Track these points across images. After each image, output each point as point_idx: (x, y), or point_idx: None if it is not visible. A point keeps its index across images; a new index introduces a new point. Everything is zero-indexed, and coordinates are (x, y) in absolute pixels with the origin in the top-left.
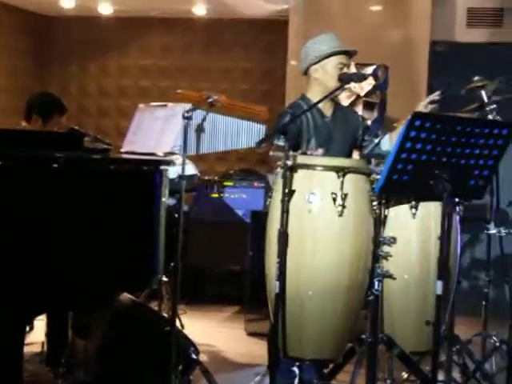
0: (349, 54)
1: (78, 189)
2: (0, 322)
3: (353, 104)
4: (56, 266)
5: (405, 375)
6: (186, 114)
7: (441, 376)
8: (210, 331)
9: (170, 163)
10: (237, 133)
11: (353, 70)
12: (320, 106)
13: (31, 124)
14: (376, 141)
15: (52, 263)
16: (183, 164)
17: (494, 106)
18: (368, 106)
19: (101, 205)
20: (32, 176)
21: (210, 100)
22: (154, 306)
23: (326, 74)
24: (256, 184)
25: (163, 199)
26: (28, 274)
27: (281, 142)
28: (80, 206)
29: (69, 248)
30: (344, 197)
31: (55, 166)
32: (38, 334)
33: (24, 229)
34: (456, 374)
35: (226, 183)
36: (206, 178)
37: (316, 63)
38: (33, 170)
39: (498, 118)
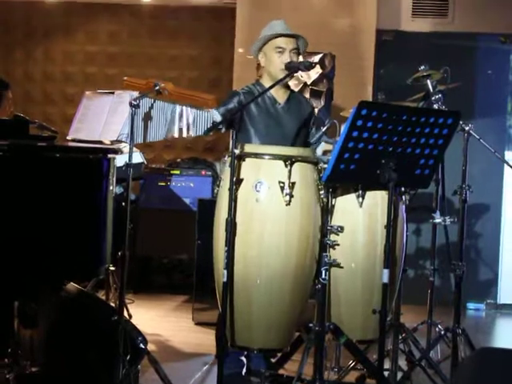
0: (289, 37)
1: (24, 177)
2: None
3: (300, 92)
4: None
5: (352, 363)
6: (133, 102)
7: (387, 364)
8: (158, 321)
9: (117, 151)
10: (185, 121)
11: (300, 58)
12: (273, 92)
13: None
14: (323, 129)
15: None
16: (130, 152)
17: (440, 95)
18: (315, 95)
19: (46, 193)
20: None
21: (157, 88)
22: (102, 295)
23: (267, 59)
24: (203, 172)
25: (111, 188)
26: None
27: (214, 111)
28: (25, 194)
29: (13, 236)
30: (291, 186)
31: (0, 153)
32: None
33: None
34: (402, 362)
35: (173, 172)
36: (154, 166)
37: (260, 50)
38: None
39: (444, 107)
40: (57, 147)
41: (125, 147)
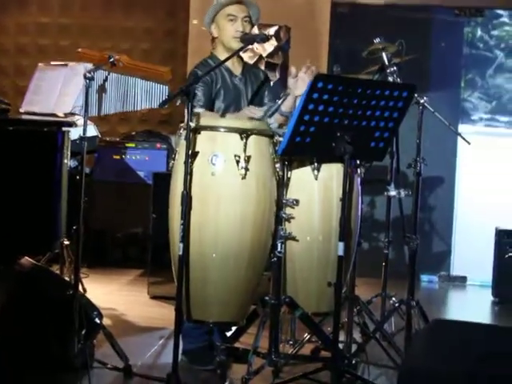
0: (240, 4)
1: None
2: None
3: (255, 65)
4: None
5: (307, 336)
6: (87, 74)
7: (342, 336)
8: (113, 295)
9: (72, 125)
10: (139, 93)
11: (255, 30)
12: (229, 65)
13: None
14: (279, 102)
15: None
16: (85, 125)
17: (395, 68)
18: (270, 67)
19: None
20: None
21: (112, 60)
22: (56, 269)
23: (220, 30)
24: (158, 145)
25: (65, 161)
26: None
27: (199, 109)
28: None
29: None
30: (247, 159)
31: None
32: None
33: None
34: (357, 335)
35: (128, 145)
36: (108, 139)
37: (213, 21)
38: None
39: (399, 80)
40: (10, 120)
41: (78, 120)
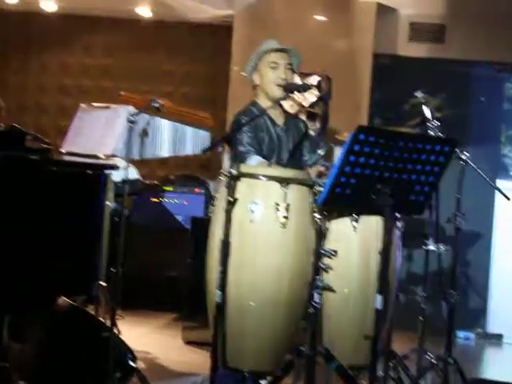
0: (282, 51)
1: (18, 190)
2: None
3: (296, 114)
4: None
5: None
6: (130, 118)
7: None
8: (147, 338)
9: (114, 167)
10: (181, 139)
11: (296, 79)
12: (271, 114)
13: None
14: (321, 153)
15: None
16: (127, 168)
17: (437, 122)
18: (311, 117)
19: (41, 207)
20: None
21: (155, 104)
22: (91, 310)
23: (262, 77)
24: (197, 190)
25: (107, 203)
26: None
27: (254, 156)
28: (19, 208)
29: (7, 250)
30: (286, 207)
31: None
32: None
33: None
34: None
35: (166, 188)
36: (147, 182)
37: (255, 68)
38: None
39: (440, 134)
40: (53, 160)
41: (119, 162)
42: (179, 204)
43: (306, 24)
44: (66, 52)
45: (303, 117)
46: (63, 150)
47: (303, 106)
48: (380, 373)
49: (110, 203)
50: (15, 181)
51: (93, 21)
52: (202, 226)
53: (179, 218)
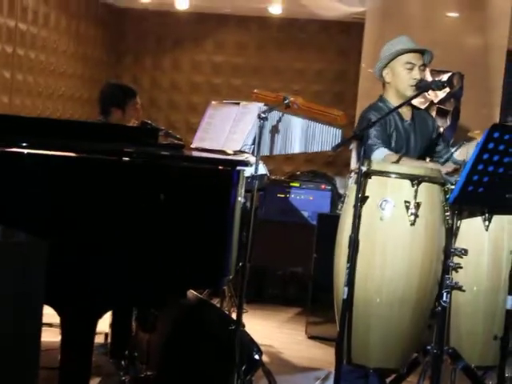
0: (418, 52)
1: (155, 186)
2: (72, 321)
3: (426, 110)
4: (131, 263)
5: None
6: (262, 115)
7: None
8: (271, 332)
9: (247, 164)
10: (312, 136)
11: (428, 76)
12: (399, 109)
13: (112, 117)
14: (453, 150)
15: (127, 261)
16: (257, 164)
17: None
18: (441, 114)
19: (177, 203)
20: (116, 172)
21: (287, 101)
22: (216, 303)
23: (395, 76)
24: (323, 186)
25: (239, 199)
26: (104, 272)
27: (382, 149)
28: (155, 204)
29: (144, 245)
30: (417, 206)
31: (139, 162)
32: (101, 324)
33: (101, 224)
34: None
35: (292, 184)
36: (274, 177)
37: (386, 66)
38: (117, 166)
39: None
40: (189, 157)
41: (247, 158)
42: (305, 200)
43: (438, 21)
44: (198, 50)
45: (433, 113)
46: (193, 146)
47: (433, 103)
48: (508, 374)
49: (241, 199)
50: (150, 177)
51: (224, 19)
52: (328, 222)
53: (305, 213)
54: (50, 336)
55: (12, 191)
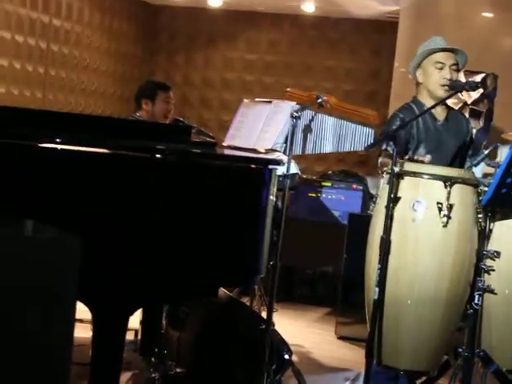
0: (449, 51)
1: (189, 183)
2: (105, 318)
3: (459, 111)
4: (164, 261)
5: None
6: (294, 114)
7: None
8: (300, 331)
9: (279, 163)
10: (344, 135)
11: (461, 77)
12: (432, 110)
13: (143, 110)
14: (486, 152)
15: (160, 259)
16: (288, 163)
17: None
18: (474, 114)
19: (210, 201)
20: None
21: (320, 101)
22: (246, 301)
23: (427, 76)
24: (354, 186)
25: (271, 197)
26: (137, 270)
27: (390, 149)
28: (187, 201)
29: (177, 243)
30: (450, 207)
31: (172, 159)
32: (132, 321)
33: (135, 221)
34: None
35: (324, 183)
36: (305, 176)
37: (419, 66)
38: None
39: None
40: (221, 155)
41: (279, 156)
42: (336, 199)
43: (472, 21)
44: (230, 47)
45: (466, 114)
46: (225, 144)
47: (466, 104)
48: None
49: (273, 198)
50: (183, 175)
51: (256, 16)
52: (359, 222)
53: (336, 213)
54: (81, 332)
55: (45, 187)
